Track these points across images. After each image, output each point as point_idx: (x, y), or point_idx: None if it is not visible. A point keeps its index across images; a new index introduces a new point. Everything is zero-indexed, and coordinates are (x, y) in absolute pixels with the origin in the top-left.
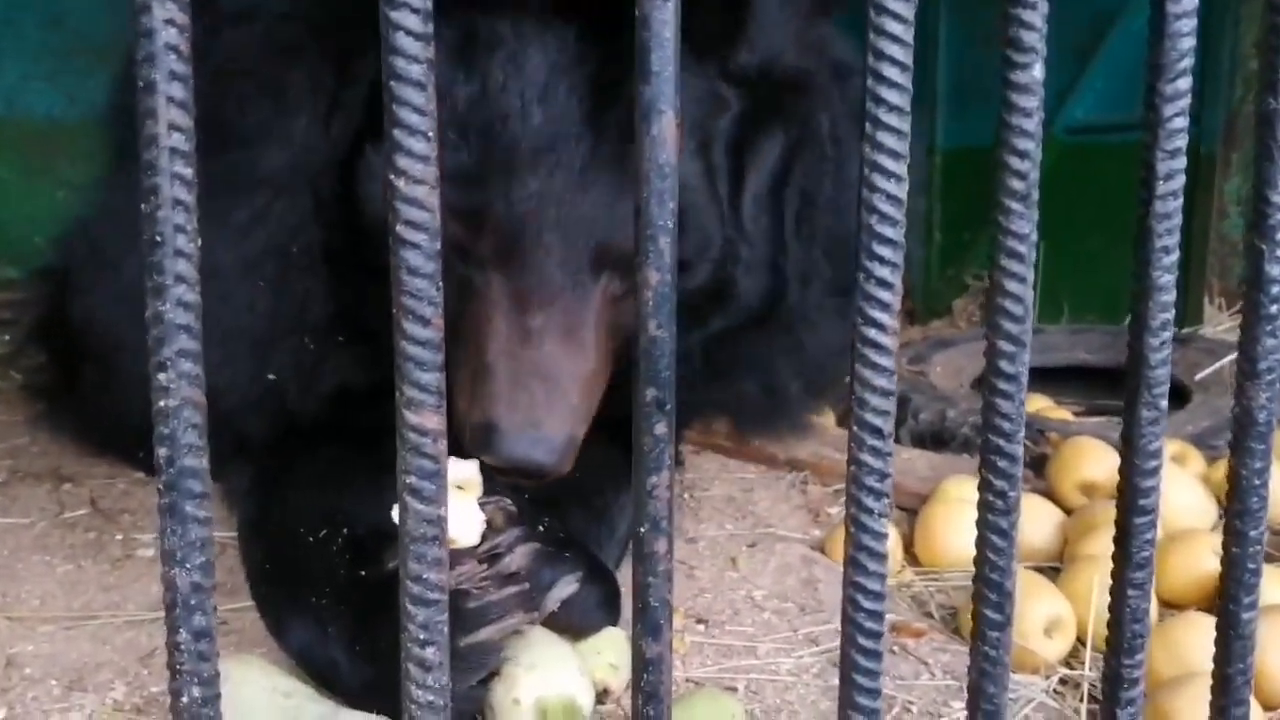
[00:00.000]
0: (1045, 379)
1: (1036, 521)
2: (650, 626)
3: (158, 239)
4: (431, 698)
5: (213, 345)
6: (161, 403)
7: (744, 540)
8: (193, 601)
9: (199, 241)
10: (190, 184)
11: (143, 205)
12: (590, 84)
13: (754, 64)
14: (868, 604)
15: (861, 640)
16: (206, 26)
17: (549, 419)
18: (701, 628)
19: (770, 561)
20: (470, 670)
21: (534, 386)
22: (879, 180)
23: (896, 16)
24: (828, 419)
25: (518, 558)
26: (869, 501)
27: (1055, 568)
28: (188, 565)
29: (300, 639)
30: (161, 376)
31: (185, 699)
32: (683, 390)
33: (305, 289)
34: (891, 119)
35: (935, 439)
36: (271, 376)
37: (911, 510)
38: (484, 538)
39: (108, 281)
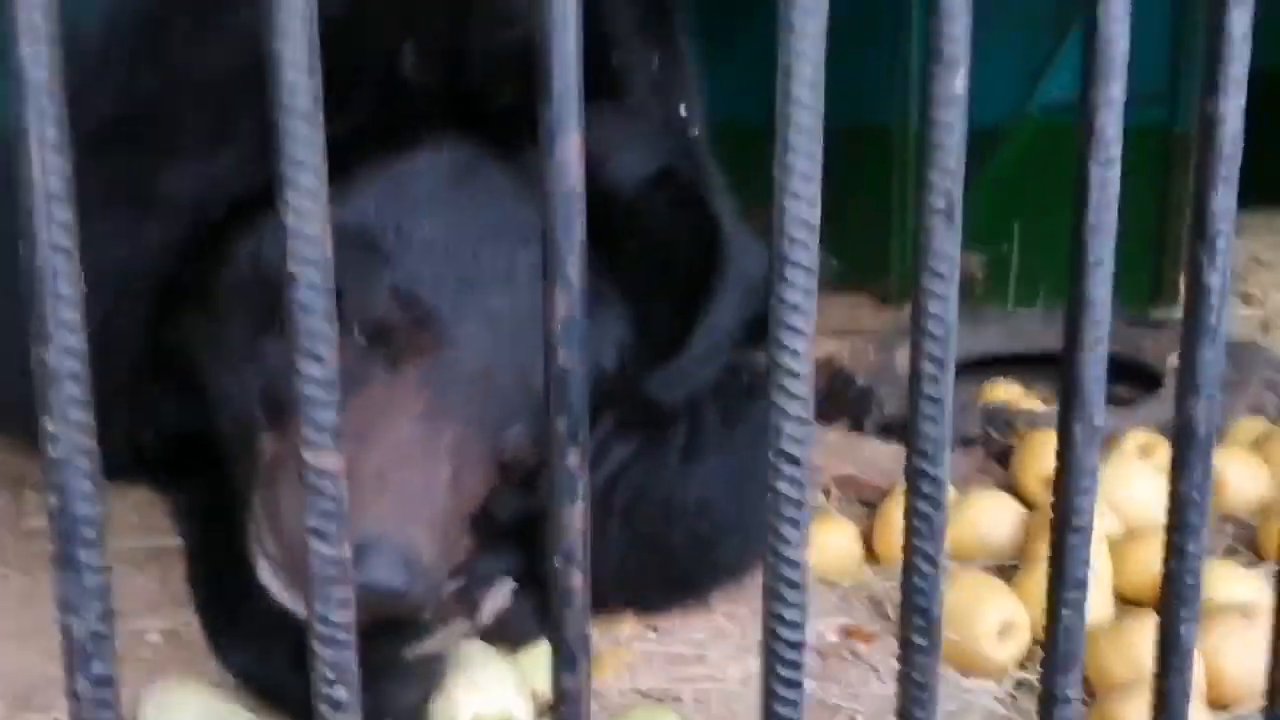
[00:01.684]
0: (1017, 366)
1: (997, 518)
2: (566, 660)
3: (37, 286)
4: None
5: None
6: (51, 452)
7: None
8: (89, 648)
9: (82, 288)
10: (69, 229)
11: (21, 251)
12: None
13: (649, 393)
14: (787, 634)
15: (783, 671)
16: (195, 16)
17: (420, 539)
18: (653, 635)
19: None
20: (419, 683)
21: (405, 487)
22: (791, 204)
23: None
24: None
25: None
26: (786, 530)
27: (1016, 565)
28: (84, 614)
29: (241, 661)
30: (49, 426)
31: None
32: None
33: (128, 317)
34: (800, 140)
35: (900, 431)
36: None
37: (873, 505)
38: None
39: None
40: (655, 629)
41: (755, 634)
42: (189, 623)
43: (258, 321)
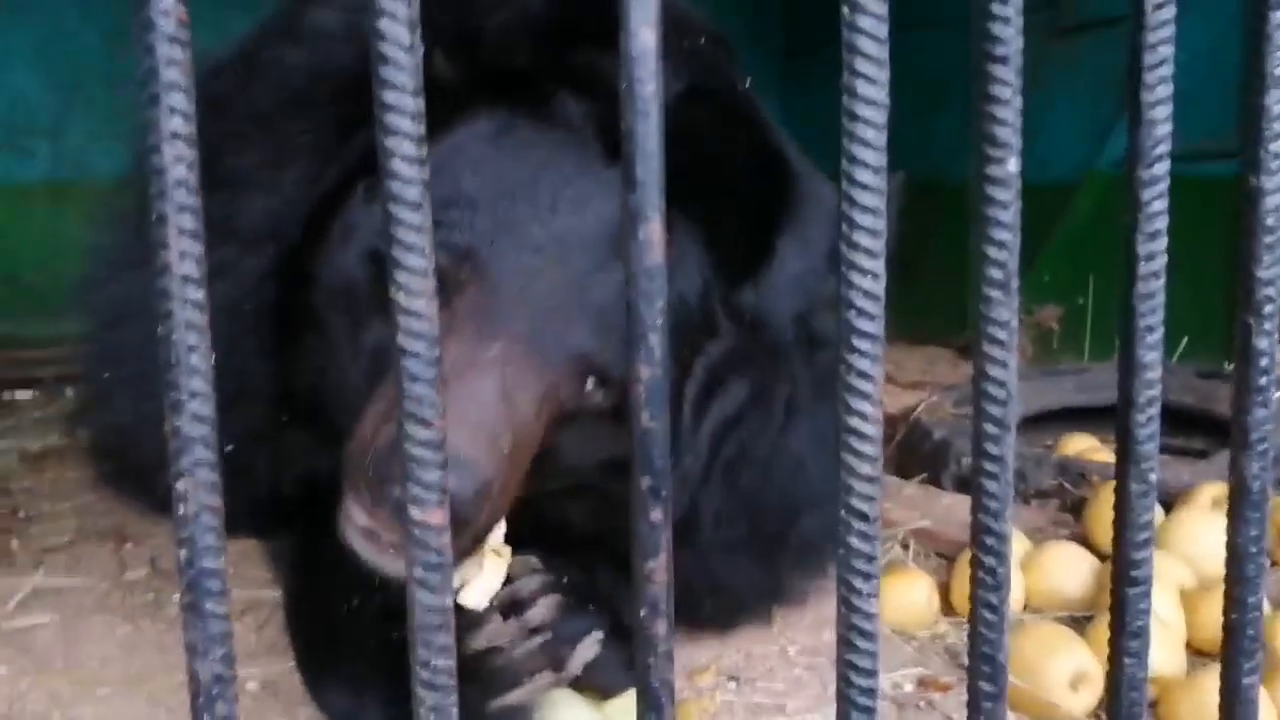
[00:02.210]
0: (1092, 418)
1: (1071, 569)
2: (652, 705)
3: (173, 360)
4: None
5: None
6: (181, 509)
7: None
8: (214, 691)
9: (212, 361)
10: (201, 307)
11: (159, 328)
12: (616, 209)
13: (752, 309)
14: (860, 680)
15: (856, 717)
16: (238, 80)
17: (474, 444)
18: (733, 685)
19: (806, 616)
20: None
21: (468, 407)
22: (856, 278)
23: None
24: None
25: (541, 609)
26: (858, 583)
27: (1089, 617)
28: (210, 658)
29: (339, 703)
30: (180, 485)
31: None
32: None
33: (252, 352)
34: (865, 219)
35: None
36: (229, 447)
37: (950, 558)
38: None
39: (89, 317)
40: (736, 679)
41: (834, 685)
42: (285, 672)
43: (355, 321)
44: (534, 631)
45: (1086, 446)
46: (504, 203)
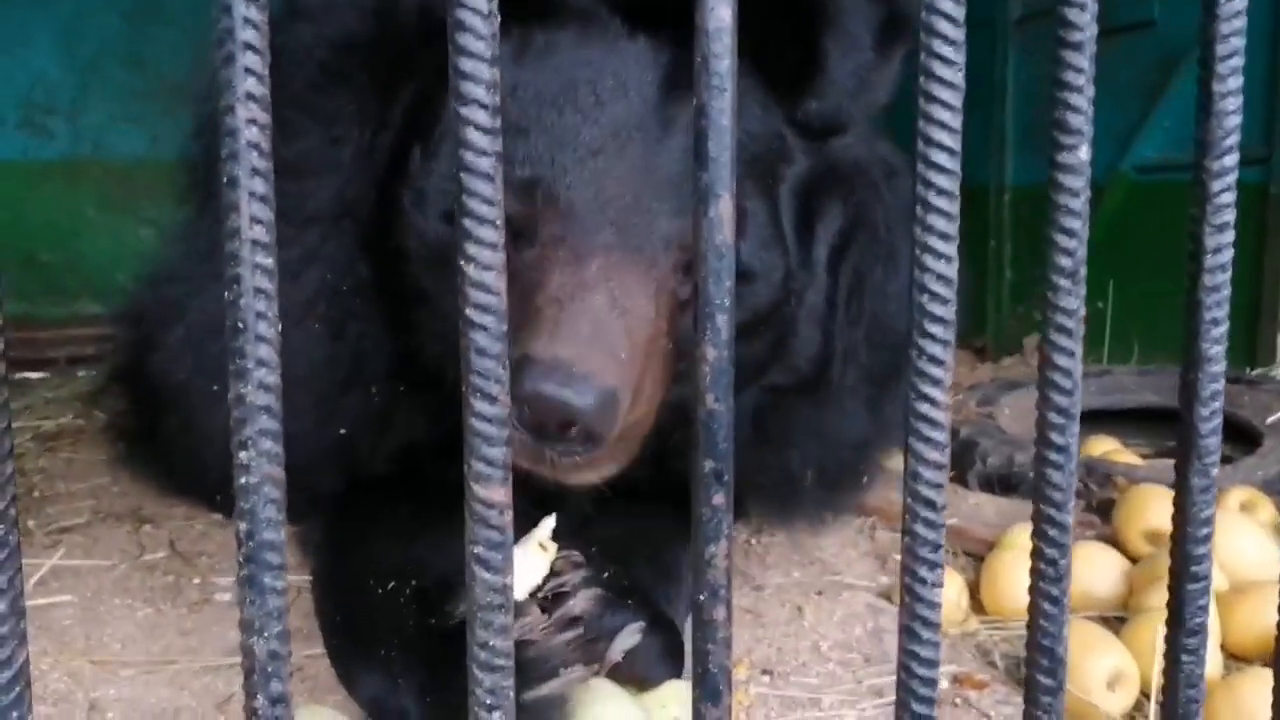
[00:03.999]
0: (1113, 421)
1: (1101, 570)
2: (709, 692)
3: (240, 325)
4: None
5: None
6: (243, 479)
7: (811, 588)
8: (270, 669)
9: (279, 327)
10: (270, 273)
11: (226, 293)
12: (659, 85)
13: (819, 115)
14: (921, 671)
15: (916, 707)
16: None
17: (589, 359)
18: (767, 679)
19: (837, 610)
20: None
21: (579, 325)
22: (929, 261)
23: (944, 81)
24: (896, 463)
25: (581, 601)
26: (923, 571)
27: (1120, 617)
28: (265, 634)
29: (370, 689)
30: (243, 455)
31: None
32: (737, 458)
33: (360, 334)
34: (941, 201)
35: (1003, 483)
36: (342, 431)
37: (978, 557)
38: (547, 582)
39: (175, 333)
40: (769, 673)
41: (869, 680)
42: (312, 656)
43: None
44: (574, 622)
45: (1110, 449)
46: (550, 117)
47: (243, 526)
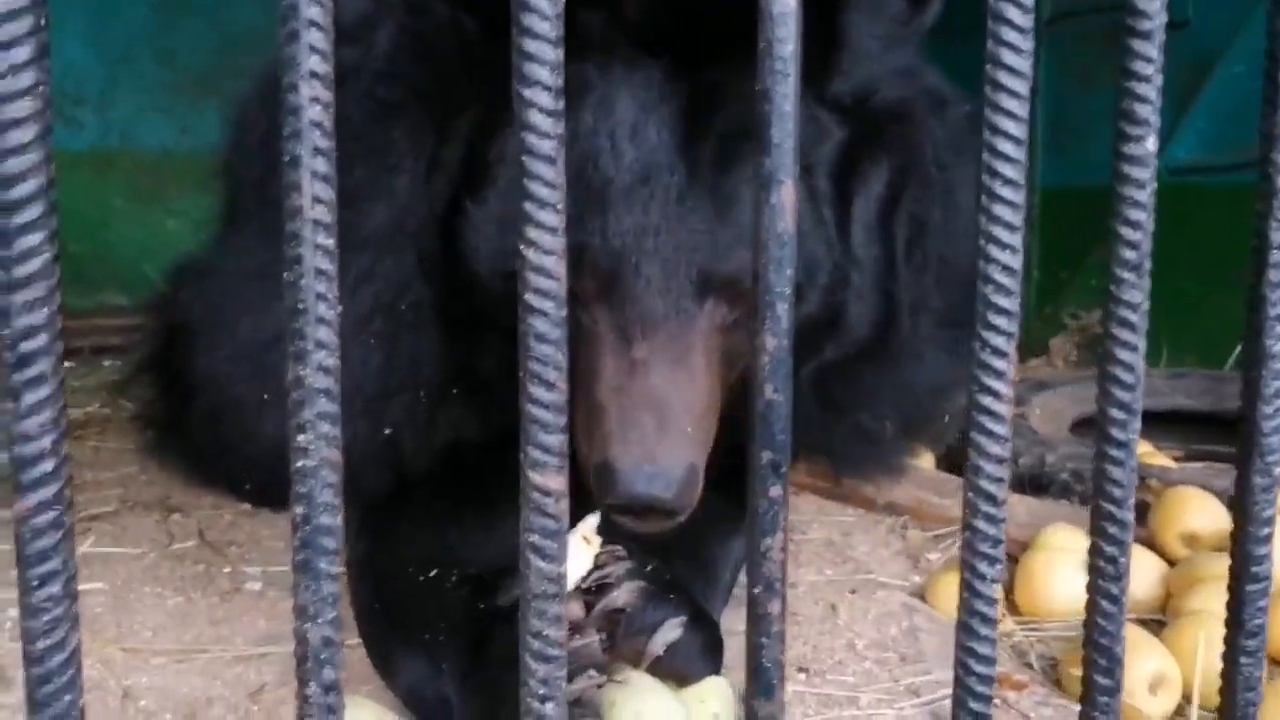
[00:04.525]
0: (1144, 423)
1: (1138, 572)
2: (763, 687)
3: (300, 306)
4: None
5: None
6: (300, 463)
7: (844, 586)
8: (323, 655)
9: (339, 309)
10: (331, 254)
11: (285, 274)
12: (681, 116)
13: (849, 91)
14: (979, 668)
15: (972, 705)
16: None
17: (664, 452)
18: (803, 676)
19: (871, 609)
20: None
21: (644, 420)
22: (994, 251)
23: (1012, 69)
24: (926, 461)
25: (624, 594)
26: (982, 567)
27: (1157, 620)
28: (319, 620)
29: (410, 678)
30: (301, 438)
31: None
32: (803, 431)
33: (415, 345)
34: (1007, 191)
35: (1034, 484)
36: (387, 431)
37: (1011, 557)
38: (590, 575)
39: (227, 343)
40: (805, 670)
41: (906, 679)
42: (347, 644)
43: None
44: (616, 614)
45: (1142, 451)
46: (576, 165)
47: (299, 511)
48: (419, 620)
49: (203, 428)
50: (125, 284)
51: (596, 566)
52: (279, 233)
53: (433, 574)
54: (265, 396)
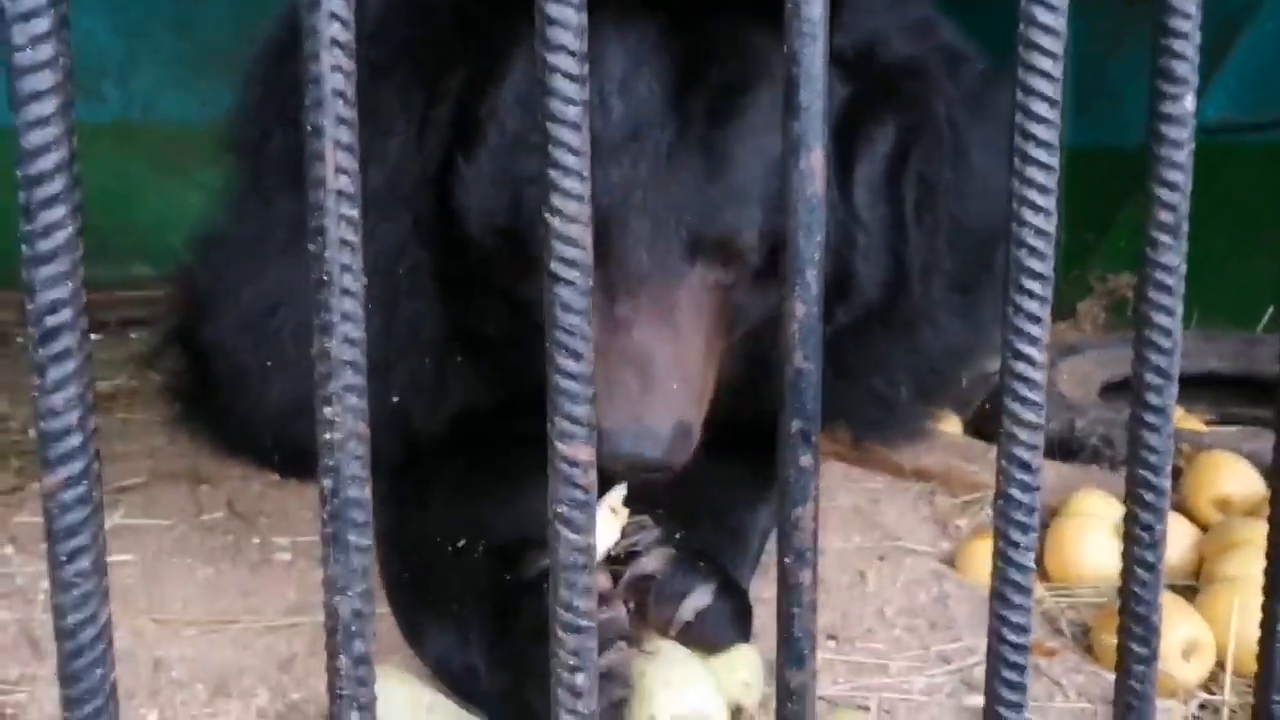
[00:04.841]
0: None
1: (1170, 538)
2: (794, 656)
3: (325, 278)
4: None
5: None
6: (327, 436)
7: (872, 553)
8: (353, 628)
9: (364, 281)
10: (356, 225)
11: (309, 246)
12: (673, 71)
13: (850, 45)
14: (1013, 637)
15: (1007, 674)
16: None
17: (650, 410)
18: (833, 644)
19: (900, 576)
20: (613, 688)
21: (628, 379)
22: (1027, 214)
23: (1046, 27)
24: (953, 426)
25: (653, 560)
26: (1015, 535)
27: (1190, 586)
28: (349, 592)
29: (438, 647)
30: (327, 411)
31: None
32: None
33: (415, 310)
34: (1041, 153)
35: (1063, 449)
36: (395, 399)
37: (1040, 523)
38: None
39: (230, 310)
40: (834, 638)
41: (936, 646)
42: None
43: (514, 278)
44: (644, 582)
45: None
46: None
47: (327, 483)
48: (446, 591)
49: (227, 403)
50: (150, 256)
51: (623, 537)
52: (274, 200)
53: (459, 545)
54: (269, 364)
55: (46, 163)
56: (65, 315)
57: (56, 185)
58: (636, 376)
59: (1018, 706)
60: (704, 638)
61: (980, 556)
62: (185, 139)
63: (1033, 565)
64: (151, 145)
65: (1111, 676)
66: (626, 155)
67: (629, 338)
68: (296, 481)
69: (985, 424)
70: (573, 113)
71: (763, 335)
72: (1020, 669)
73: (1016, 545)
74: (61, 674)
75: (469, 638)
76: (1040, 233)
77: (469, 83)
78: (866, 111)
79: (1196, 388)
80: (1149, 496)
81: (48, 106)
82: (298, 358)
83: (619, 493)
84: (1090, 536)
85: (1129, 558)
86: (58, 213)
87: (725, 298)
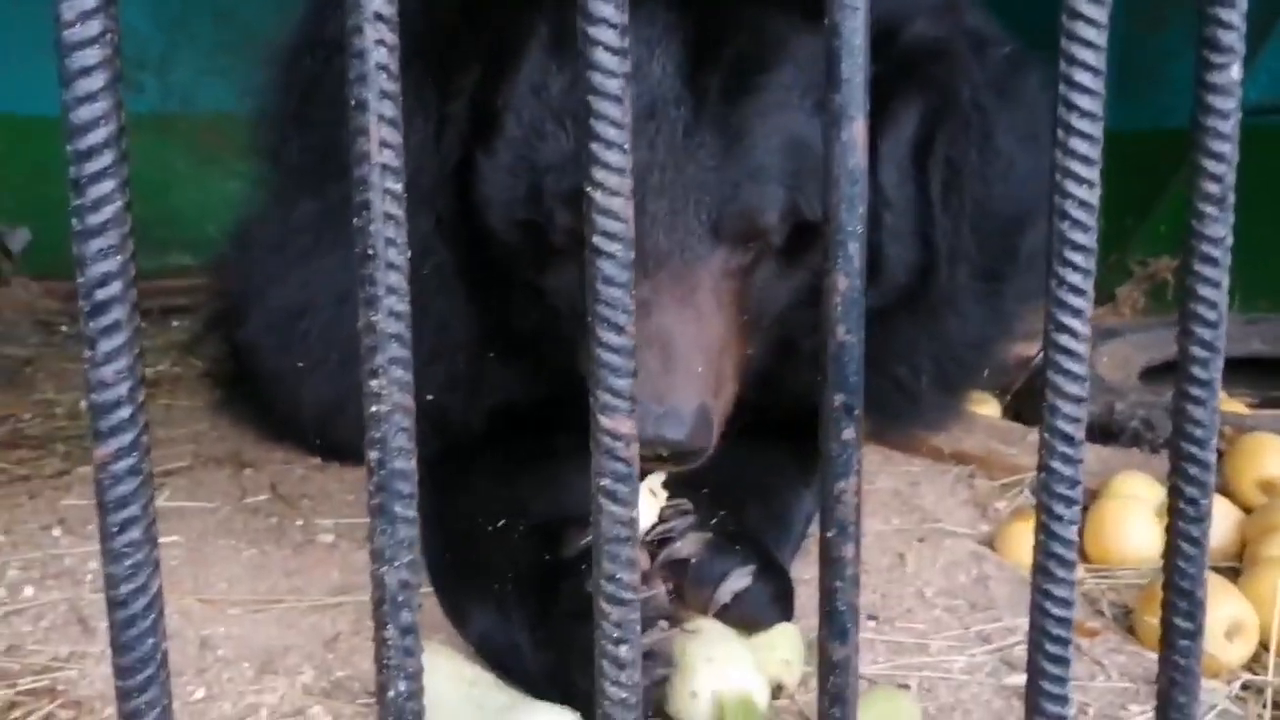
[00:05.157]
0: None
1: (1213, 520)
2: (837, 630)
3: (370, 252)
4: (624, 694)
5: (356, 368)
6: (373, 408)
7: (912, 535)
8: (400, 598)
9: (408, 254)
10: (400, 199)
11: (354, 219)
12: (688, 50)
13: (871, 26)
14: (1056, 610)
15: (1050, 648)
16: (320, 58)
17: (671, 392)
18: (873, 623)
19: (939, 558)
20: (655, 666)
21: (649, 361)
22: (1070, 186)
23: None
24: (992, 410)
25: (687, 545)
26: (1059, 508)
27: (1233, 568)
28: (396, 563)
29: (481, 626)
30: (374, 383)
31: (392, 693)
32: None
33: (443, 310)
34: (1084, 124)
35: (1103, 432)
36: (430, 397)
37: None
38: (654, 528)
39: (258, 313)
40: (874, 618)
41: (976, 626)
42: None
43: (536, 271)
44: (679, 566)
45: None
46: (583, 108)
47: (373, 456)
48: (487, 572)
49: (267, 394)
50: (189, 245)
51: (661, 520)
52: (294, 203)
53: (499, 525)
54: (299, 365)
55: (95, 137)
56: (115, 288)
57: (105, 159)
58: (657, 358)
59: (1060, 680)
60: (744, 617)
61: (1020, 538)
62: (224, 129)
63: (1075, 538)
64: (190, 135)
65: (1153, 656)
66: (643, 137)
67: (649, 320)
68: (338, 465)
69: (1024, 407)
70: (614, 85)
71: (790, 322)
72: (1064, 641)
73: (1060, 518)
74: (114, 643)
75: (510, 617)
76: (1083, 204)
77: (482, 77)
78: (891, 92)
79: (1239, 370)
80: (1194, 470)
81: (96, 82)
82: (326, 360)
83: (659, 475)
84: (1131, 519)
85: (1173, 532)
86: (106, 186)
87: (748, 280)
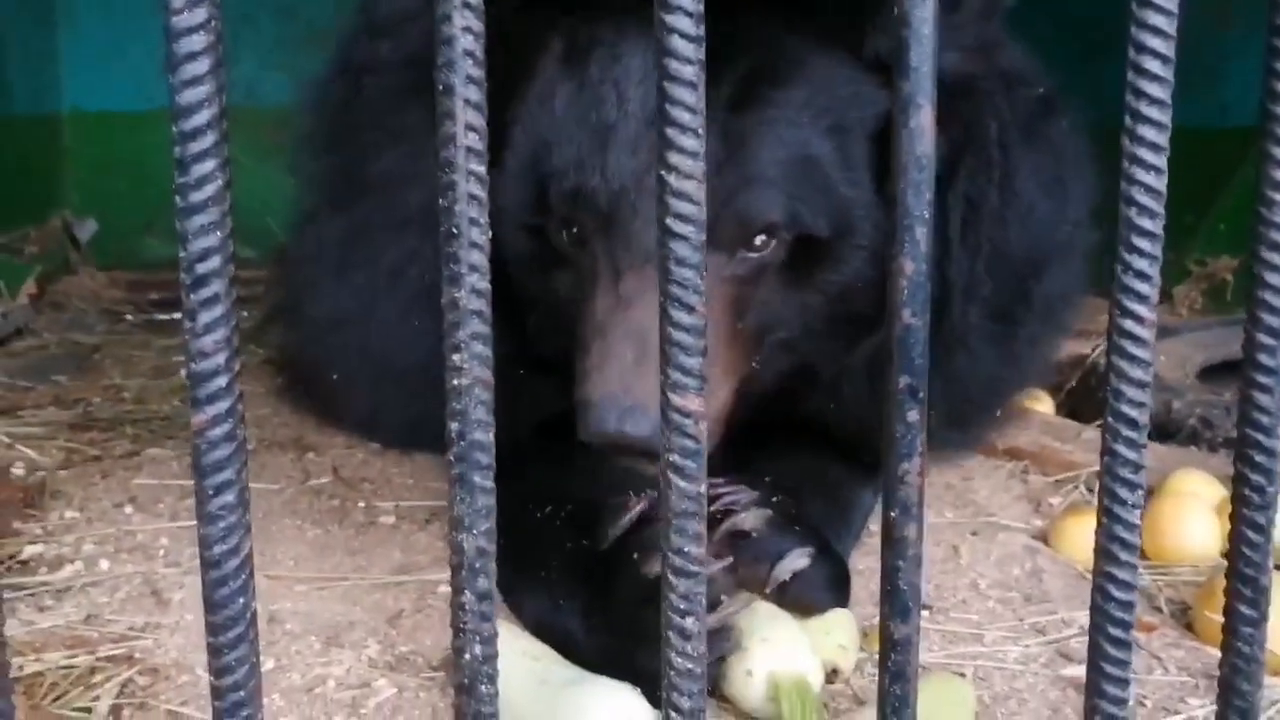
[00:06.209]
0: None
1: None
2: (899, 609)
3: (454, 231)
4: (690, 665)
5: (388, 385)
6: (455, 381)
7: (966, 529)
8: (477, 565)
9: (490, 234)
10: (484, 180)
11: (440, 200)
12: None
13: (889, 53)
14: (1118, 593)
15: (1112, 630)
16: (351, 83)
17: (641, 387)
18: (927, 613)
19: (993, 551)
20: (713, 646)
21: (624, 354)
22: (1138, 173)
23: (1160, 8)
24: (1046, 406)
25: (749, 518)
26: (1123, 493)
27: None
28: (474, 531)
29: (535, 611)
30: (456, 357)
31: (468, 656)
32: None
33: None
34: (1152, 111)
35: (1160, 431)
36: None
37: None
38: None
39: (297, 324)
40: (928, 608)
41: (1030, 618)
42: None
43: (556, 285)
44: (740, 540)
45: None
46: (588, 117)
47: (454, 427)
48: (539, 557)
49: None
50: (252, 237)
51: (717, 499)
52: (324, 221)
53: (546, 510)
54: (335, 377)
55: (200, 119)
56: (214, 262)
57: (208, 140)
58: (633, 352)
59: (1122, 664)
60: (800, 599)
61: (1074, 533)
62: (285, 122)
63: (1138, 522)
64: (252, 129)
65: (1212, 652)
66: (643, 143)
67: (628, 313)
68: (398, 451)
69: (1078, 405)
70: (689, 72)
71: (805, 348)
72: (1126, 625)
73: (1124, 503)
74: (207, 601)
75: (561, 604)
76: (1150, 190)
77: (495, 92)
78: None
79: None
80: (1259, 458)
81: (201, 66)
82: (357, 377)
83: None
84: (1189, 516)
85: (1237, 519)
86: (209, 165)
87: (745, 292)
